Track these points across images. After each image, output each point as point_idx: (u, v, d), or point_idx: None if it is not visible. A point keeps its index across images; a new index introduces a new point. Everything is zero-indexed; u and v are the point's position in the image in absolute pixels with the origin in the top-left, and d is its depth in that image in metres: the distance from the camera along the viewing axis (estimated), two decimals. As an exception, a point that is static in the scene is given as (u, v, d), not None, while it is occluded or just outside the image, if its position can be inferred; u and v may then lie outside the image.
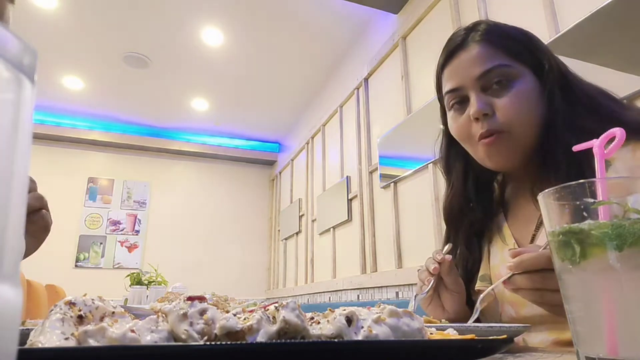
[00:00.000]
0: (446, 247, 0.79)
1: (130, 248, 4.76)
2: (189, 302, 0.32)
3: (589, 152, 0.60)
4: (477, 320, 0.80)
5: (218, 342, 0.31)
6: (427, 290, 0.74)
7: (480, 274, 0.81)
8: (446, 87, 0.76)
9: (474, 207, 0.82)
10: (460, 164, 0.82)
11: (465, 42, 0.73)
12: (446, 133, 0.85)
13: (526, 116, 0.69)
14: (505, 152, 0.71)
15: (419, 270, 0.80)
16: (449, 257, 0.75)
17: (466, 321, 0.69)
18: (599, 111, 0.67)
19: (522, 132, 0.69)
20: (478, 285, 0.80)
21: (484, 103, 0.69)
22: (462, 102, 0.74)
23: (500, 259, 0.78)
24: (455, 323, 0.73)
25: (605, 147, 0.37)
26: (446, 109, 0.79)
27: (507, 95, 0.69)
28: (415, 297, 0.74)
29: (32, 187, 0.66)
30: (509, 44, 0.71)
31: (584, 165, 0.60)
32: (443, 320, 0.61)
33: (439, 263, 0.74)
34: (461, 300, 0.77)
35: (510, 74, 0.69)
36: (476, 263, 0.82)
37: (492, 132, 0.69)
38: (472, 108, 0.70)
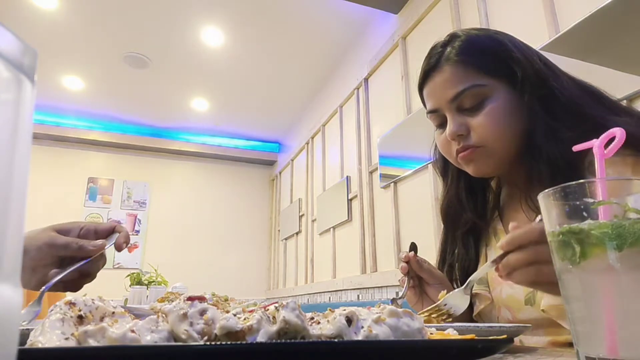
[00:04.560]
0: (409, 246, 0.82)
1: (130, 248, 4.76)
2: (189, 302, 0.32)
3: (576, 163, 0.60)
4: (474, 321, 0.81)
5: (218, 342, 0.31)
6: (403, 291, 0.78)
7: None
8: (427, 108, 0.79)
9: (467, 208, 0.82)
10: (454, 166, 0.82)
11: (439, 63, 0.74)
12: None
13: (501, 131, 0.70)
14: (482, 164, 0.73)
15: (399, 280, 0.82)
16: (411, 253, 0.79)
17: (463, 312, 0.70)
18: (585, 119, 0.65)
19: (498, 146, 0.71)
20: (475, 289, 0.80)
21: (458, 125, 0.71)
22: (442, 121, 0.76)
23: None
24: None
25: (605, 147, 0.37)
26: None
27: (480, 115, 0.70)
28: (391, 301, 0.76)
29: (99, 266, 0.70)
30: (482, 61, 0.72)
31: (571, 175, 0.60)
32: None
33: (407, 262, 0.78)
34: (447, 289, 0.79)
35: (482, 93, 0.70)
36: (472, 263, 0.82)
37: (467, 147, 0.72)
38: (447, 130, 0.73)
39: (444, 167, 0.87)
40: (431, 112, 0.77)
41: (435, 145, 0.85)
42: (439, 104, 0.74)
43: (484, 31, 0.78)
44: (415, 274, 0.79)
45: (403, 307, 0.38)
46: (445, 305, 0.61)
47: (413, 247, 0.81)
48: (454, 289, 0.81)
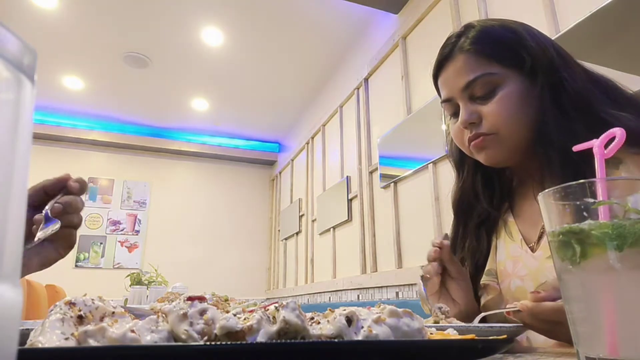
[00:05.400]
0: (444, 235, 0.80)
1: (130, 248, 4.76)
2: (189, 302, 0.32)
3: (587, 151, 0.60)
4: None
5: (218, 342, 0.31)
6: (432, 275, 0.75)
7: (486, 268, 0.81)
8: (441, 98, 0.79)
9: (482, 200, 0.82)
10: (471, 157, 0.82)
11: (452, 53, 0.76)
12: None
13: (513, 119, 0.70)
14: (494, 152, 0.73)
15: (422, 266, 0.80)
16: (446, 242, 0.77)
17: (477, 314, 0.69)
18: (589, 112, 0.66)
19: (509, 134, 0.71)
20: (484, 280, 0.80)
21: (470, 113, 0.72)
22: (456, 110, 0.77)
23: (507, 255, 0.78)
24: (466, 317, 0.74)
25: (605, 147, 0.37)
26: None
27: (492, 103, 0.71)
28: (421, 277, 0.75)
29: (79, 208, 0.68)
30: (494, 50, 0.72)
31: (581, 164, 0.60)
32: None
33: (439, 248, 0.76)
34: (468, 288, 0.78)
35: (494, 81, 0.71)
36: (483, 256, 0.82)
37: (479, 135, 0.72)
38: (460, 118, 0.74)
39: (460, 158, 0.86)
40: (445, 101, 0.78)
41: (452, 138, 0.85)
42: (452, 93, 0.75)
43: (500, 21, 0.78)
44: (442, 264, 0.77)
45: (403, 307, 0.38)
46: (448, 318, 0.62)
47: (447, 237, 0.80)
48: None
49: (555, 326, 0.51)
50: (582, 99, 0.68)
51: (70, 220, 0.66)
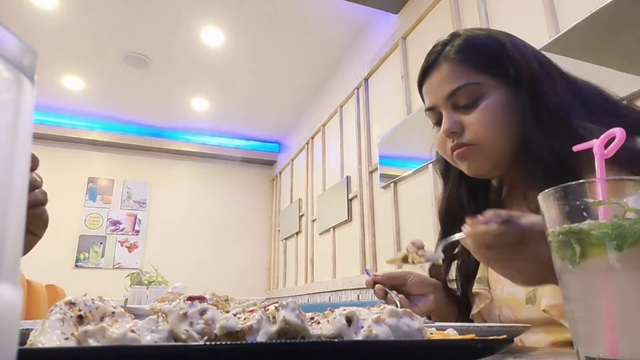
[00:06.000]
0: (366, 271, 0.88)
1: (130, 248, 4.76)
2: (189, 302, 0.32)
3: (570, 164, 0.59)
4: (472, 320, 0.81)
5: (218, 342, 0.31)
6: (398, 305, 0.79)
7: (477, 276, 0.81)
8: (425, 106, 0.79)
9: (468, 211, 0.81)
10: (456, 166, 0.82)
11: (437, 61, 0.75)
12: None
13: (495, 129, 0.70)
14: (476, 162, 0.73)
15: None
16: (369, 278, 0.83)
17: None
18: (568, 127, 0.64)
19: (491, 145, 0.70)
20: (475, 288, 0.80)
21: (452, 122, 0.72)
22: (439, 119, 0.76)
23: None
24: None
25: (605, 147, 0.37)
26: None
27: (475, 113, 0.70)
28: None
29: (39, 183, 0.65)
30: (480, 59, 0.72)
31: (563, 178, 0.59)
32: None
33: (376, 283, 0.81)
34: (422, 278, 0.83)
35: (478, 91, 0.71)
36: (473, 265, 0.82)
37: (461, 144, 0.72)
38: (442, 127, 0.74)
39: (445, 167, 0.86)
40: (428, 109, 0.78)
41: None
42: (435, 102, 0.75)
43: (486, 31, 0.78)
44: (395, 287, 0.81)
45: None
46: (419, 251, 0.65)
47: (368, 272, 0.86)
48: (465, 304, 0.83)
49: (501, 255, 0.49)
50: (560, 113, 0.66)
51: (34, 198, 0.63)
